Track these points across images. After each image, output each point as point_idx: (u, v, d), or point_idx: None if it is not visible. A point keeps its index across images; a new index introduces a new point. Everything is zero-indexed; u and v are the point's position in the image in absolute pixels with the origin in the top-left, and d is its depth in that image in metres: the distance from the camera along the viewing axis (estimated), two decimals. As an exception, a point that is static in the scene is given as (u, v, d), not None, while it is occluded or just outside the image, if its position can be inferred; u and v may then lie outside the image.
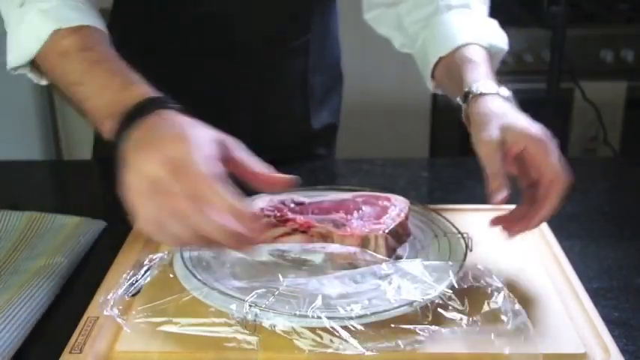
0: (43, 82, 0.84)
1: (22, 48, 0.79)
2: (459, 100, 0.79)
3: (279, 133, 1.12)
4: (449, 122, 2.22)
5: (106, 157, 0.71)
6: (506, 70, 2.25)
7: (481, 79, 0.79)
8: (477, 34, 0.88)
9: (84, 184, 0.92)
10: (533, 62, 2.15)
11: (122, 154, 0.63)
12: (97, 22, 0.80)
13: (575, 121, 2.20)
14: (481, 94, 0.76)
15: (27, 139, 2.23)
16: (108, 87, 0.71)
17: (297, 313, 0.63)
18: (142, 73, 0.77)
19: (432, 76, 0.91)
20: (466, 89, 0.78)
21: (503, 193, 0.68)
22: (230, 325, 0.63)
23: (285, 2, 1.04)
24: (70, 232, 0.84)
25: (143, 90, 0.69)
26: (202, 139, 0.62)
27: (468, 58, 0.83)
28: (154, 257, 0.74)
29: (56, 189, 1.13)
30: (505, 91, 0.77)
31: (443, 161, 1.13)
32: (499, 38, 0.90)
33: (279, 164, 1.09)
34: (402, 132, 2.29)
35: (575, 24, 2.09)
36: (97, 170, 0.93)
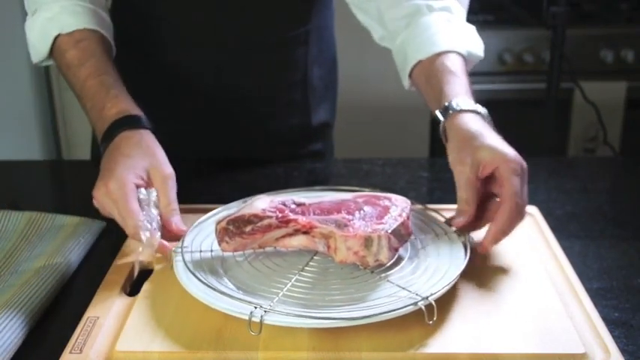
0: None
1: (36, 49, 0.95)
2: (437, 113, 0.82)
3: (280, 127, 1.13)
4: (449, 122, 2.21)
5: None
6: (506, 70, 2.26)
7: (461, 93, 0.82)
8: (456, 42, 0.90)
9: (84, 184, 0.92)
10: (533, 62, 2.15)
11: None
12: (94, 23, 0.92)
13: (575, 121, 2.20)
14: (460, 111, 0.80)
15: (27, 139, 2.23)
16: (94, 105, 0.86)
17: (300, 314, 0.63)
18: (142, 62, 0.96)
19: (410, 75, 0.94)
20: (446, 103, 0.81)
21: (465, 218, 0.75)
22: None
23: None
24: (70, 232, 0.84)
25: (118, 108, 0.83)
26: (130, 171, 0.76)
27: (448, 68, 0.86)
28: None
29: (56, 189, 1.13)
30: (482, 109, 0.81)
31: (443, 161, 1.13)
32: (476, 45, 0.93)
33: (280, 162, 1.10)
34: (402, 132, 2.29)
35: (575, 24, 2.08)
36: (96, 170, 0.94)
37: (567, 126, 2.22)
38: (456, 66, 0.87)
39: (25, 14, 0.96)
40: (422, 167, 1.14)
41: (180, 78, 1.07)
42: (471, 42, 0.93)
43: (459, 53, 0.89)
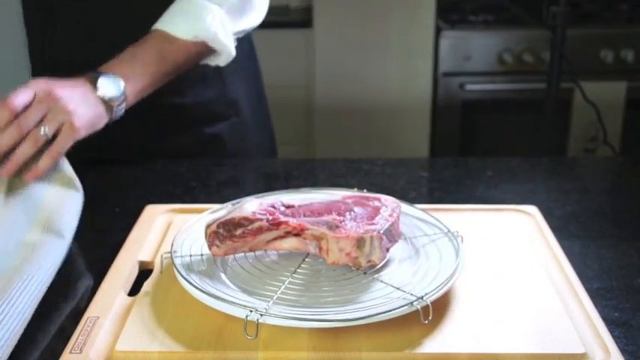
0: None
1: None
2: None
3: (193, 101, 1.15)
4: (449, 122, 2.22)
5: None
6: (506, 70, 2.26)
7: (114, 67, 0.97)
8: (162, 20, 1.03)
9: (83, 184, 0.92)
10: (533, 62, 2.15)
11: None
12: None
13: (575, 121, 2.21)
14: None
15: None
16: None
17: (296, 316, 0.63)
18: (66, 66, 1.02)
19: None
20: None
21: None
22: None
23: None
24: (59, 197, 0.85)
25: None
26: None
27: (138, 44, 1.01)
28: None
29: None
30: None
31: (443, 161, 1.13)
32: (177, 27, 1.02)
33: (281, 160, 1.10)
34: (402, 132, 2.30)
35: (575, 24, 2.09)
36: (96, 170, 0.94)
37: (567, 126, 2.22)
38: (141, 42, 1.00)
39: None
40: (422, 167, 1.14)
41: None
42: (173, 23, 1.02)
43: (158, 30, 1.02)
